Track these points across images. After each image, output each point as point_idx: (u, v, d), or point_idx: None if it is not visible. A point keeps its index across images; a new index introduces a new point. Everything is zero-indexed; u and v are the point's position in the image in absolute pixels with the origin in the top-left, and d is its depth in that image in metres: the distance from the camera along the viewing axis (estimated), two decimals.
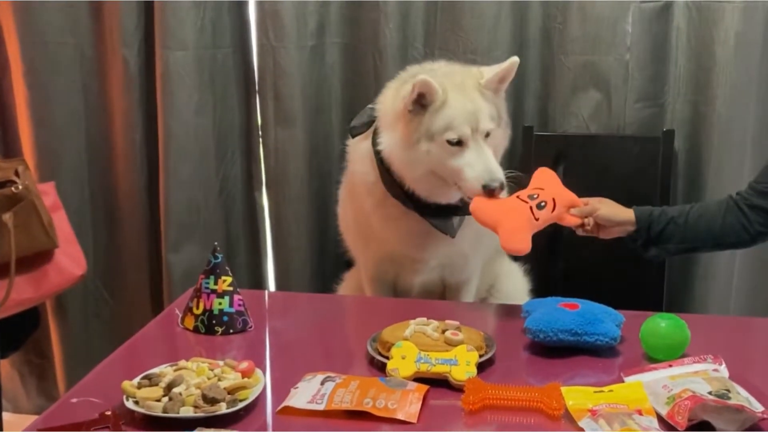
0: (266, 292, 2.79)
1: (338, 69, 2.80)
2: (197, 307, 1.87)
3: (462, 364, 1.58)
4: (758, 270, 2.64)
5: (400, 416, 1.44)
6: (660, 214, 2.04)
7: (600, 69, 2.61)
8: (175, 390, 1.46)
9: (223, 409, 1.44)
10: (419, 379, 1.57)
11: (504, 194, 1.99)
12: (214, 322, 1.85)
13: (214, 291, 1.86)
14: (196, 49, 2.75)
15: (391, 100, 2.13)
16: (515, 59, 2.09)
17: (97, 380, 1.64)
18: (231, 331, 1.86)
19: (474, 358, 1.60)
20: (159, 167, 2.85)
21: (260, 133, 2.88)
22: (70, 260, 2.65)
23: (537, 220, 1.90)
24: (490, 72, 2.07)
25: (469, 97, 2.04)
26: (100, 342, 3.02)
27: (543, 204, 1.92)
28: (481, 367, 1.62)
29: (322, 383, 1.54)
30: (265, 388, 1.56)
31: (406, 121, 2.04)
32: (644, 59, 2.59)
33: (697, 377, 1.50)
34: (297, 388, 1.54)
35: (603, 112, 2.65)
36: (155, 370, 1.56)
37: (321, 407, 1.46)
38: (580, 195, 2.52)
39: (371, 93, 2.69)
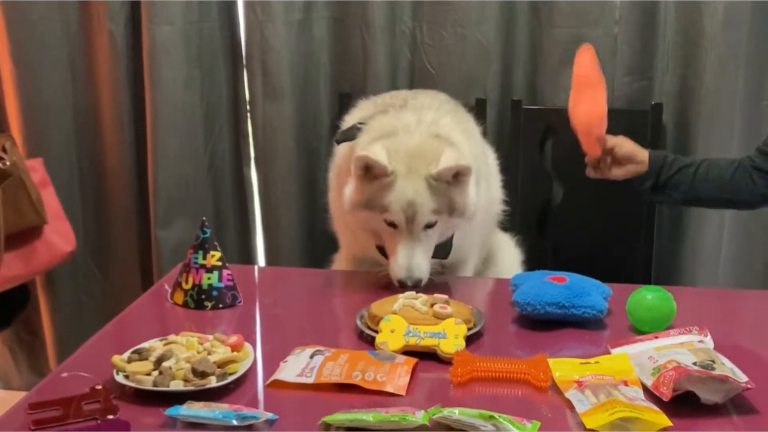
0: (255, 267, 2.79)
1: (326, 43, 2.78)
2: (186, 282, 1.87)
3: (450, 338, 1.58)
4: (746, 242, 2.66)
5: (389, 389, 1.45)
6: (673, 161, 2.10)
7: (588, 42, 2.50)
8: (165, 364, 1.47)
9: (213, 382, 1.44)
10: (408, 352, 1.58)
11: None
12: (203, 296, 1.85)
13: (203, 266, 1.86)
14: (183, 24, 2.73)
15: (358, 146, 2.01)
16: (448, 164, 1.88)
17: (87, 355, 1.64)
18: (220, 305, 1.86)
19: (462, 331, 1.60)
20: (147, 143, 2.84)
21: (248, 108, 2.87)
22: (60, 236, 2.66)
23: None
24: (443, 164, 1.88)
25: (413, 186, 1.89)
26: (90, 318, 3.02)
27: None
28: (470, 340, 1.63)
29: (312, 357, 1.54)
30: (255, 362, 1.56)
31: (356, 183, 1.95)
32: (632, 33, 2.58)
33: (683, 348, 1.50)
34: (286, 361, 1.54)
35: None
36: (145, 345, 1.56)
37: (310, 380, 1.47)
38: (570, 170, 2.56)
39: (359, 67, 2.72)
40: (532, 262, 2.48)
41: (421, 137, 1.95)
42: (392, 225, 1.93)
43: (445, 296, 1.72)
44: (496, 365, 1.51)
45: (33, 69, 2.83)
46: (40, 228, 2.58)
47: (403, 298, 1.71)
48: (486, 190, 2.18)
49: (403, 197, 1.89)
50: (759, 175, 2.05)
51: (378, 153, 1.90)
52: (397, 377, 1.47)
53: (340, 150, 2.14)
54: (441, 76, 2.70)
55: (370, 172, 1.91)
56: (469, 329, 1.63)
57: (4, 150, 2.50)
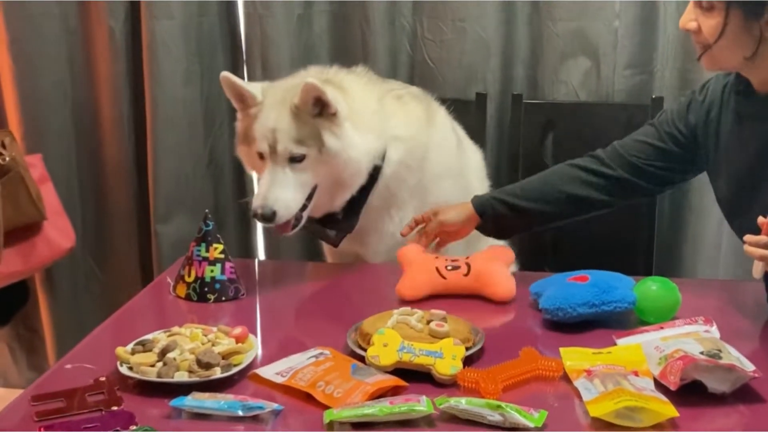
0: (256, 260, 2.78)
1: (326, 38, 2.78)
2: (189, 275, 1.86)
3: (447, 358, 1.47)
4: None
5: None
6: (495, 196, 2.03)
7: (589, 36, 2.60)
8: (170, 355, 1.46)
9: (217, 373, 1.44)
10: (399, 371, 1.46)
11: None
12: (206, 289, 1.85)
13: (205, 258, 1.86)
14: (183, 18, 2.73)
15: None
16: (306, 85, 1.88)
17: (90, 347, 1.64)
18: (223, 298, 1.86)
19: (461, 352, 1.49)
20: (146, 138, 2.83)
21: None
22: (59, 233, 2.63)
23: (444, 279, 1.88)
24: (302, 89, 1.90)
25: (277, 113, 1.92)
26: (90, 315, 3.00)
27: (457, 267, 1.89)
28: (469, 359, 1.53)
29: (310, 357, 1.51)
30: (259, 354, 1.55)
31: (239, 114, 2.02)
32: (633, 26, 2.58)
33: (689, 338, 1.50)
34: (288, 358, 1.52)
35: (592, 80, 2.64)
36: (149, 336, 1.56)
37: (282, 381, 1.44)
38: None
39: (359, 62, 2.67)
40: (532, 256, 2.48)
41: (304, 79, 1.94)
42: (262, 157, 1.94)
43: (443, 312, 1.63)
44: (505, 372, 1.47)
45: (32, 64, 2.82)
46: (39, 224, 2.55)
47: (397, 314, 1.61)
48: (462, 188, 2.18)
49: (266, 125, 1.92)
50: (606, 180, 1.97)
51: (252, 85, 1.98)
52: (349, 397, 1.37)
53: None
54: (441, 70, 2.69)
55: (244, 102, 1.97)
56: (468, 348, 1.53)
57: (3, 146, 2.47)
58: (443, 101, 2.32)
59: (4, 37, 2.79)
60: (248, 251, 3.01)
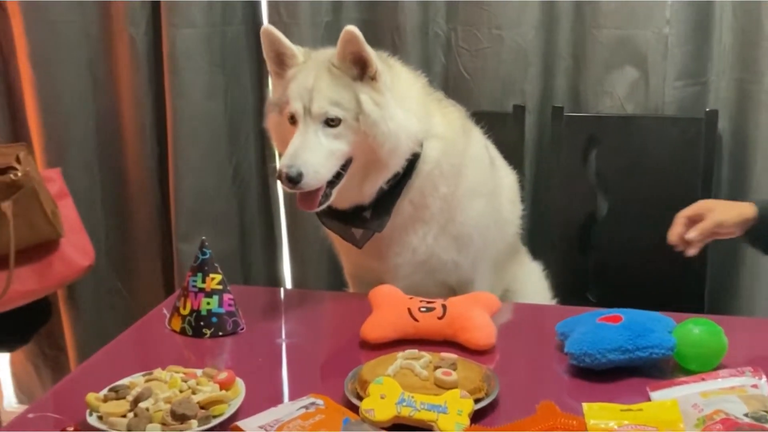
0: (281, 289, 2.65)
1: None
2: (184, 308, 1.73)
3: (452, 413, 1.32)
4: None
5: None
6: None
7: (637, 44, 2.45)
8: (142, 405, 1.32)
9: (193, 427, 1.29)
10: (398, 426, 1.33)
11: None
12: (202, 323, 1.71)
13: (201, 290, 1.73)
14: (205, 27, 2.63)
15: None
16: (346, 29, 1.77)
17: (69, 389, 1.52)
18: (220, 333, 1.72)
19: (468, 406, 1.34)
20: (168, 152, 2.73)
21: None
22: (77, 250, 2.55)
23: (416, 321, 1.68)
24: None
25: (315, 73, 1.80)
26: (114, 332, 2.78)
27: (431, 308, 1.70)
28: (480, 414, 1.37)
29: (300, 408, 1.36)
30: (246, 401, 1.40)
31: (273, 81, 1.92)
32: (685, 33, 2.42)
33: (733, 395, 1.32)
34: (277, 407, 1.37)
35: (640, 91, 2.48)
36: (125, 381, 1.42)
37: None
38: (616, 182, 2.39)
39: None
40: (571, 284, 2.34)
41: None
42: (293, 122, 1.80)
43: (454, 356, 1.48)
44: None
45: (52, 73, 2.74)
46: (55, 241, 2.46)
47: (401, 358, 1.46)
48: (493, 209, 2.05)
49: (303, 84, 1.80)
50: None
51: (292, 44, 1.87)
52: None
53: None
54: (476, 81, 2.57)
55: (283, 63, 1.86)
56: (478, 400, 1.37)
57: (18, 160, 2.40)
58: (479, 114, 2.17)
59: (24, 45, 2.72)
60: (274, 278, 2.90)
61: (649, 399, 1.42)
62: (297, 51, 1.85)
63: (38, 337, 2.96)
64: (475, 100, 2.49)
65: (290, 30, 2.57)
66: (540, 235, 2.52)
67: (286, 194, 2.77)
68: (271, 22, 2.62)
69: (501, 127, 2.33)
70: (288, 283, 2.90)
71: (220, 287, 1.74)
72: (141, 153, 2.81)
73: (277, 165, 1.78)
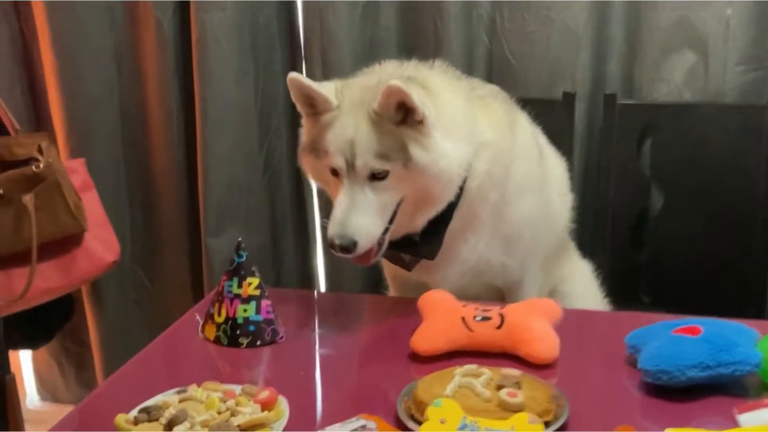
0: (315, 291, 2.53)
1: (394, 32, 2.54)
2: (219, 315, 1.61)
3: None
4: None
5: None
6: None
7: (696, 27, 2.35)
8: (177, 429, 1.20)
9: None
10: None
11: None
12: (238, 332, 1.59)
13: (237, 296, 1.60)
14: (235, 11, 2.52)
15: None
16: (389, 86, 1.57)
17: (95, 406, 1.40)
18: (258, 342, 1.60)
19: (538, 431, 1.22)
20: (196, 142, 2.63)
21: None
22: (102, 245, 2.49)
23: (471, 331, 1.55)
24: (383, 93, 1.61)
25: (354, 121, 1.62)
26: (139, 329, 2.88)
27: (488, 317, 1.57)
28: None
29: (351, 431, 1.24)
30: (288, 422, 1.28)
31: (305, 121, 1.75)
32: (748, 15, 2.31)
33: None
34: (325, 430, 1.25)
35: (698, 77, 2.38)
36: (158, 400, 1.30)
37: None
38: (672, 174, 2.27)
39: (430, 57, 2.45)
40: (622, 284, 2.22)
41: (383, 77, 1.67)
42: (336, 174, 1.65)
43: (517, 372, 1.35)
44: None
45: (76, 60, 2.65)
46: (79, 236, 2.39)
47: (459, 375, 1.35)
48: (542, 203, 1.92)
49: (343, 135, 1.62)
50: None
51: (325, 86, 1.68)
52: None
53: None
54: (523, 66, 2.46)
55: (314, 107, 1.68)
56: (546, 423, 1.25)
57: (40, 150, 2.33)
58: (525, 101, 2.05)
59: (46, 30, 2.62)
60: (307, 275, 2.81)
61: (736, 423, 1.28)
62: (329, 94, 1.66)
63: (61, 333, 2.87)
64: (522, 87, 2.40)
65: (326, 13, 2.49)
66: (590, 232, 2.40)
67: (319, 187, 2.66)
68: (304, 5, 2.53)
69: (549, 115, 2.19)
70: (322, 280, 2.79)
71: (257, 293, 1.61)
72: (168, 143, 2.72)
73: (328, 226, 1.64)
